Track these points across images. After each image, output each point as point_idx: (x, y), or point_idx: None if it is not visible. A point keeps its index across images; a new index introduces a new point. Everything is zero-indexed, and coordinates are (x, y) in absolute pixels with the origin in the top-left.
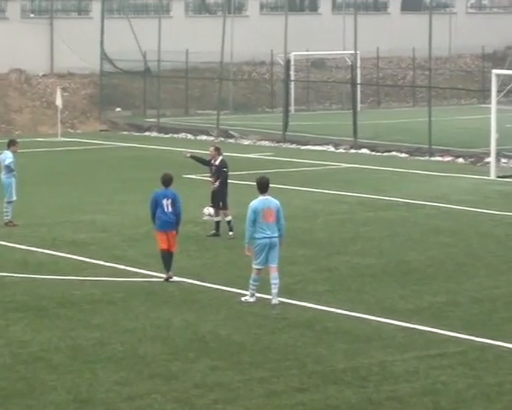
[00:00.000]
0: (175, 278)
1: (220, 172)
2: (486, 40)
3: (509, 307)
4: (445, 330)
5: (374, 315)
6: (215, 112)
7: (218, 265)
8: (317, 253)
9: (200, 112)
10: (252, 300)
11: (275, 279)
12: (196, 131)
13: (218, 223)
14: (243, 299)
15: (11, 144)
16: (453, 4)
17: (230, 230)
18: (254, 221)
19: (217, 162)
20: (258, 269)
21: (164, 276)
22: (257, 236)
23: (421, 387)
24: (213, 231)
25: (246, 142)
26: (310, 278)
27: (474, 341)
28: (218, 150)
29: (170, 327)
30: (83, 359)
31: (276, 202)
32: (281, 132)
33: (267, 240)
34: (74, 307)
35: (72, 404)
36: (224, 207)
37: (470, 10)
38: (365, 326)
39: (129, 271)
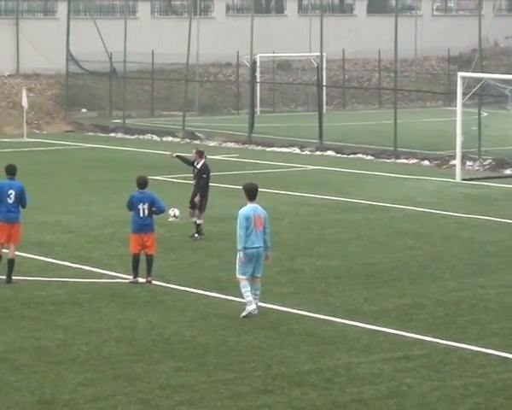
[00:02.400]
0: (140, 280)
1: (200, 177)
2: (452, 43)
3: (473, 309)
4: (410, 332)
5: (339, 317)
6: (181, 113)
7: (184, 266)
8: (282, 255)
9: (165, 113)
10: (252, 307)
11: (257, 290)
12: (162, 133)
13: (196, 224)
14: (244, 314)
15: None
16: (419, 7)
17: (198, 233)
18: (247, 228)
19: (198, 166)
20: (243, 278)
21: (130, 278)
22: (246, 245)
23: (385, 389)
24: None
25: (211, 143)
26: (275, 280)
27: (438, 343)
28: (199, 153)
29: (135, 328)
30: (47, 360)
31: (264, 210)
32: (246, 134)
33: (254, 251)
34: (39, 308)
35: (36, 405)
36: (201, 210)
37: (436, 13)
38: (330, 328)
39: (94, 272)
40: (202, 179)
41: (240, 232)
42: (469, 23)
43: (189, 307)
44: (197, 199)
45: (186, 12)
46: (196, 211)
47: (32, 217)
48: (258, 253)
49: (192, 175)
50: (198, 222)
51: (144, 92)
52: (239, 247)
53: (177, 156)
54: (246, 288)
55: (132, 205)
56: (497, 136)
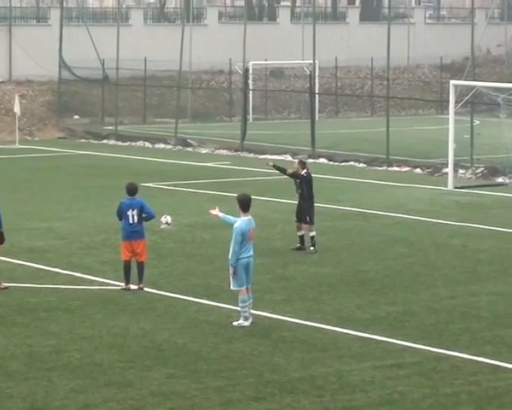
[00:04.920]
0: (132, 287)
1: (306, 186)
2: (445, 51)
3: (465, 317)
4: (402, 340)
5: (330, 325)
6: (173, 120)
7: (176, 273)
8: (274, 262)
9: (158, 120)
10: (246, 323)
11: (249, 299)
12: (154, 140)
13: (302, 237)
14: (236, 324)
15: None
16: (412, 15)
17: (313, 245)
18: (241, 243)
19: (302, 173)
20: (243, 290)
21: (122, 285)
22: (240, 256)
23: (377, 397)
24: (298, 245)
25: (203, 150)
26: (267, 287)
27: (430, 351)
28: (302, 164)
29: (126, 335)
30: (39, 366)
31: (253, 220)
32: (239, 141)
33: (247, 260)
34: (31, 315)
35: None
36: (310, 222)
37: (429, 21)
38: (322, 336)
39: (86, 278)
40: (308, 188)
41: (234, 247)
42: (462, 31)
43: (180, 314)
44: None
45: (179, 19)
46: (305, 225)
47: (23, 223)
48: (250, 262)
49: (294, 188)
50: (311, 235)
51: (137, 99)
52: (231, 262)
53: (273, 166)
54: (245, 303)
55: (121, 212)
56: (490, 144)
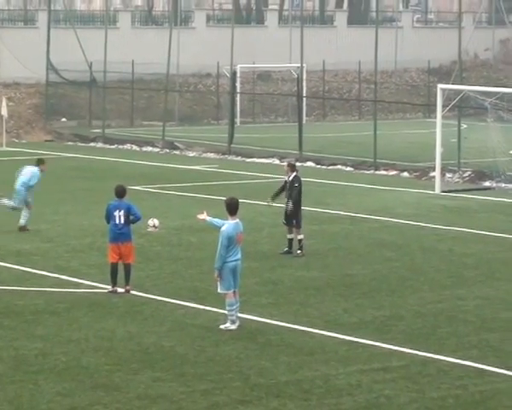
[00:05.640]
0: (118, 290)
1: (292, 187)
2: (432, 54)
3: (451, 321)
4: (389, 343)
5: (317, 328)
6: (161, 123)
7: (163, 276)
8: (261, 265)
9: (145, 123)
10: (233, 327)
11: (236, 303)
12: (142, 143)
13: (290, 240)
14: (223, 327)
15: (40, 163)
16: (399, 18)
17: (300, 249)
18: (228, 247)
19: (290, 178)
20: (230, 293)
21: (109, 287)
22: (227, 259)
23: (364, 401)
24: (286, 249)
25: (191, 154)
26: (254, 290)
27: (416, 355)
28: (291, 167)
29: (113, 338)
30: (25, 369)
31: (241, 223)
32: (226, 145)
33: (234, 263)
34: (17, 318)
35: None
36: (297, 226)
37: (416, 25)
38: (309, 339)
39: (72, 281)
40: (295, 190)
41: (221, 251)
42: (449, 35)
43: (167, 317)
44: (290, 207)
45: (167, 22)
46: (294, 228)
47: (10, 226)
48: (237, 265)
49: (284, 193)
50: (299, 238)
51: (124, 102)
52: (216, 265)
53: (272, 199)
54: (233, 306)
55: (109, 213)
56: (477, 148)
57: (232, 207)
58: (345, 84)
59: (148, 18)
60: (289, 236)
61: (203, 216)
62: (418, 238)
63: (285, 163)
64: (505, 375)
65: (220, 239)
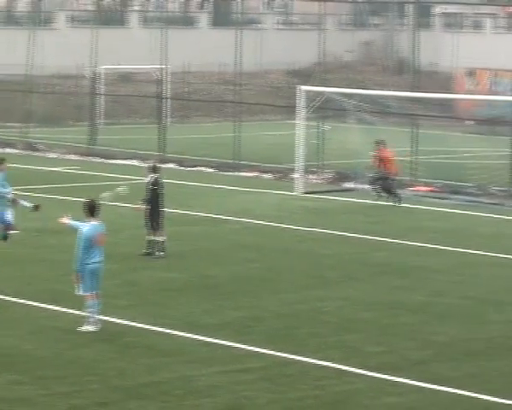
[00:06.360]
0: None
1: (148, 190)
2: (295, 56)
3: (311, 322)
4: (249, 345)
5: (177, 330)
6: (21, 125)
7: (22, 279)
8: (121, 267)
9: (8, 124)
10: (93, 329)
11: (97, 305)
12: (1, 144)
13: (151, 242)
14: (83, 329)
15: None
16: (262, 20)
17: (161, 250)
18: (88, 248)
19: (146, 179)
20: (92, 295)
21: None
22: (88, 261)
23: (224, 402)
24: (146, 251)
25: (52, 155)
26: (114, 292)
27: (276, 356)
28: (151, 168)
29: None
30: None
31: (103, 225)
32: (88, 146)
33: (95, 265)
34: None
35: None
36: (159, 227)
37: (279, 27)
38: (169, 341)
39: None
40: (154, 192)
41: (80, 253)
42: (312, 37)
43: (27, 319)
44: (141, 207)
45: (28, 23)
46: (153, 229)
47: None
48: (99, 267)
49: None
50: (160, 240)
51: None
52: (75, 267)
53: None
54: (93, 308)
55: None
56: (339, 149)
57: (92, 209)
58: (208, 85)
59: (8, 18)
60: (150, 237)
61: (64, 219)
62: (279, 239)
63: (147, 165)
64: (364, 375)
65: (80, 241)
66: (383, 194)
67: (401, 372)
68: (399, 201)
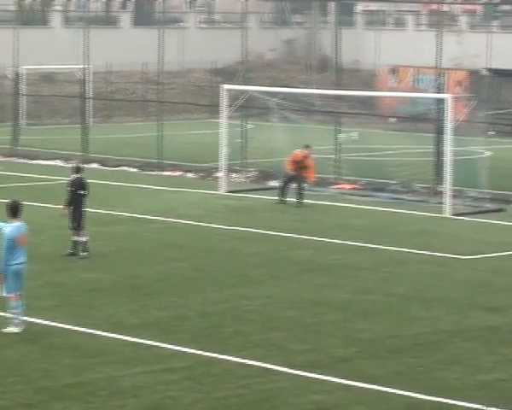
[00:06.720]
0: None
1: (67, 190)
2: (217, 55)
3: (236, 320)
4: (173, 344)
5: (101, 330)
6: None
7: None
8: (44, 268)
9: None
10: (17, 330)
11: (21, 306)
12: None
13: (75, 242)
14: (6, 330)
15: None
16: (185, 19)
17: (85, 251)
18: (11, 249)
19: (71, 180)
20: (15, 296)
21: None
22: (11, 262)
23: (149, 402)
24: (70, 251)
25: None
26: (37, 293)
27: (201, 355)
28: (74, 169)
29: None
30: None
31: (26, 225)
32: (10, 147)
33: (18, 266)
34: None
35: None
36: (81, 227)
37: (201, 25)
38: (93, 341)
39: None
40: (71, 192)
41: (3, 254)
42: (234, 35)
43: None
44: (65, 212)
45: None
46: (77, 230)
47: None
48: (23, 268)
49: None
50: (83, 240)
51: None
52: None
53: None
54: (17, 309)
55: None
56: (263, 148)
57: (14, 210)
58: (130, 85)
59: None
60: (73, 238)
61: None
62: (202, 238)
63: (70, 165)
64: (289, 373)
65: (2, 242)
66: (285, 193)
67: (326, 370)
68: (301, 203)
